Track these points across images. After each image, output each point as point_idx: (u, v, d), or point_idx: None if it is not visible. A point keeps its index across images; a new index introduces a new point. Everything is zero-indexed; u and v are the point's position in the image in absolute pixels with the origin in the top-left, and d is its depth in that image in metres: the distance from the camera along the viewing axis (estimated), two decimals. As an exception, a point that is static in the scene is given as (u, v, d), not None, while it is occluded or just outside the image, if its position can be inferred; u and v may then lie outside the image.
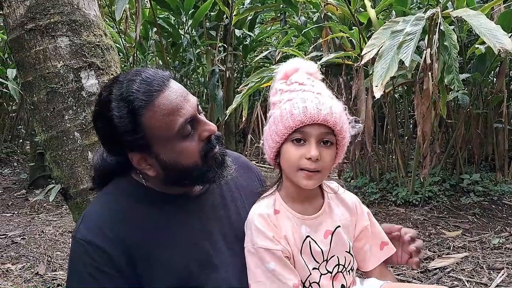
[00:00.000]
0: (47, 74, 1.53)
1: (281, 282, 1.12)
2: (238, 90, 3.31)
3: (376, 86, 2.22)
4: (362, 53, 2.49)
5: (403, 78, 3.75)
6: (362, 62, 2.64)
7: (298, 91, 1.12)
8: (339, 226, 1.23)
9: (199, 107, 1.09)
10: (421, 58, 3.00)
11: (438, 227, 3.32)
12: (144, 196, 1.12)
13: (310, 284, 1.18)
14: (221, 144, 1.12)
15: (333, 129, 1.09)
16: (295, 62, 1.20)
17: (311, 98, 1.09)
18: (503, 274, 2.46)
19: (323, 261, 1.20)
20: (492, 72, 4.59)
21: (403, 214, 3.55)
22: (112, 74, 1.64)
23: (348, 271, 1.24)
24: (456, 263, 2.65)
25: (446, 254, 2.79)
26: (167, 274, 1.06)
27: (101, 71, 1.60)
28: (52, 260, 3.10)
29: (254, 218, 1.16)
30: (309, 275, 1.18)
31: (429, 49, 2.85)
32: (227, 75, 5.96)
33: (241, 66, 7.17)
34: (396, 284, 1.25)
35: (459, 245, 2.95)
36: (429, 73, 3.08)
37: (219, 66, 5.97)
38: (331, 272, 1.21)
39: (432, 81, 2.63)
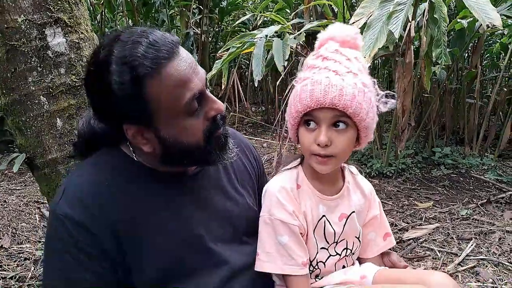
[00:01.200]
0: (5, 29, 1.35)
1: (290, 257, 1.10)
2: (218, 55, 3.20)
3: (364, 57, 2.18)
4: (350, 22, 2.44)
5: (384, 50, 3.74)
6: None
7: (316, 68, 1.05)
8: (353, 212, 1.22)
9: (207, 81, 1.00)
10: (404, 30, 2.99)
11: (411, 198, 3.40)
12: (134, 171, 1.03)
13: (317, 262, 1.18)
14: (225, 125, 1.05)
15: (345, 111, 1.01)
16: (332, 29, 1.09)
17: (321, 79, 1.01)
18: (472, 245, 2.56)
19: (333, 242, 1.19)
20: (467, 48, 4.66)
21: (378, 186, 3.62)
22: (82, 33, 1.50)
23: (352, 254, 1.24)
24: (428, 234, 2.73)
25: (418, 225, 2.87)
26: (156, 257, 0.99)
27: (69, 28, 1.45)
28: (17, 232, 2.96)
29: (276, 189, 1.12)
30: (316, 254, 1.17)
31: (413, 21, 2.84)
32: (203, 39, 5.77)
33: (217, 30, 6.96)
34: (390, 270, 1.27)
35: (430, 216, 3.04)
36: (411, 46, 3.08)
37: (194, 29, 5.76)
38: (339, 255, 1.21)
39: (416, 54, 2.62)
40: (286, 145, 4.20)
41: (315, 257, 1.17)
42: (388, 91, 1.10)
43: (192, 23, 5.85)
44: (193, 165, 1.08)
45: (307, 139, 1.06)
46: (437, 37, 2.35)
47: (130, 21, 6.49)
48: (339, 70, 1.01)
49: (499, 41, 4.80)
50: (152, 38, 0.90)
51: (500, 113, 4.86)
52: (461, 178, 3.83)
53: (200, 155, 1.00)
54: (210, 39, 6.56)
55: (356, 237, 1.23)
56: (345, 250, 1.22)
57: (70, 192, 0.97)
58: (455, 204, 3.26)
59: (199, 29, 5.80)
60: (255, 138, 5.69)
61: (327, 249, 1.18)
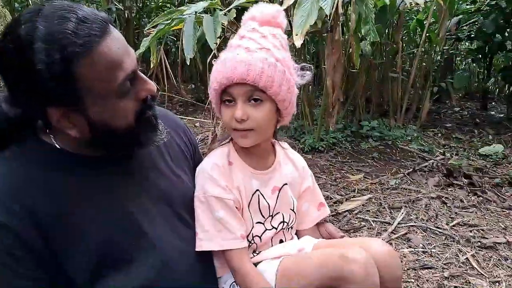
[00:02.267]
0: None
1: (228, 231, 1.11)
2: (145, 32, 3.02)
3: (296, 35, 2.17)
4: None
5: (311, 27, 3.77)
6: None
7: (232, 47, 1.09)
8: (286, 184, 1.24)
9: (138, 61, 0.96)
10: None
11: (343, 171, 3.52)
12: (56, 160, 0.96)
13: (252, 237, 1.18)
14: (154, 106, 1.02)
15: (256, 85, 1.04)
16: (253, 9, 1.13)
17: (231, 57, 1.06)
18: (402, 213, 2.71)
19: (269, 216, 1.21)
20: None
21: (311, 160, 3.70)
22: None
23: (289, 228, 1.25)
24: (362, 205, 2.85)
25: (352, 197, 2.98)
26: (87, 247, 0.93)
27: None
28: None
29: (208, 166, 1.14)
30: (252, 228, 1.17)
31: (341, -2, 2.87)
32: (126, 15, 5.46)
33: (140, 5, 6.62)
34: (331, 240, 1.29)
35: (362, 188, 3.17)
36: (339, 23, 3.13)
37: (116, 5, 5.43)
38: (276, 228, 1.22)
39: (347, 32, 2.66)
40: (221, 124, 4.14)
41: (250, 232, 1.17)
42: (304, 64, 1.17)
43: (113, -2, 5.51)
44: (124, 149, 1.02)
45: (226, 115, 1.10)
46: (365, 14, 2.39)
47: (42, -5, 5.99)
48: (250, 47, 1.06)
49: (415, 17, 5.07)
50: (82, 14, 0.84)
51: (417, 85, 5.16)
52: (388, 150, 4.04)
53: (131, 137, 0.98)
54: (133, 15, 6.22)
55: (291, 209, 1.25)
56: (282, 224, 1.23)
57: None
58: (385, 175, 3.43)
59: (121, 4, 5.47)
60: (187, 118, 5.54)
61: (263, 224, 1.19)
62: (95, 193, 0.97)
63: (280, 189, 1.23)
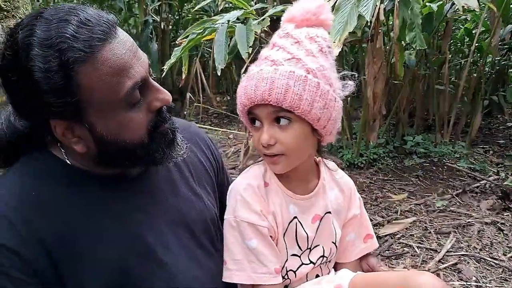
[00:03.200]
0: None
1: (261, 263, 0.98)
2: (177, 42, 2.93)
3: (334, 42, 1.99)
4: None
5: (351, 36, 3.57)
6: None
7: (259, 60, 0.98)
8: (329, 212, 1.09)
9: (150, 68, 0.87)
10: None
11: (384, 190, 3.27)
12: (66, 176, 0.89)
13: (286, 271, 1.05)
14: (171, 117, 0.93)
15: (280, 106, 0.92)
16: (292, 8, 0.99)
17: (254, 73, 0.95)
18: (451, 240, 2.44)
19: (307, 248, 1.07)
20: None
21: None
22: (20, 18, 1.32)
23: (328, 262, 1.09)
24: (405, 229, 2.60)
25: (394, 219, 2.73)
26: (97, 272, 0.86)
27: (5, 13, 1.29)
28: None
29: (242, 187, 1.03)
30: (285, 261, 1.04)
31: (382, 4, 2.67)
32: (162, 27, 5.45)
33: (177, 17, 6.63)
34: (368, 274, 1.14)
35: (405, 209, 2.91)
36: (380, 31, 2.92)
37: (152, 17, 5.44)
38: (314, 263, 1.08)
39: (384, 40, 2.44)
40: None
41: (284, 265, 1.05)
42: (346, 72, 1.02)
43: (151, 10, 5.53)
44: (136, 166, 0.94)
45: (255, 138, 1.00)
46: (410, 20, 2.17)
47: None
48: (277, 59, 0.94)
49: (462, 26, 4.75)
50: (84, 16, 0.77)
51: (465, 99, 4.81)
52: (434, 167, 3.74)
53: (144, 153, 0.88)
54: (170, 27, 6.24)
55: (332, 242, 1.11)
56: (321, 258, 1.09)
57: None
58: (430, 195, 3.15)
59: (159, 16, 5.48)
60: (221, 129, 5.46)
61: (299, 257, 1.07)
62: (106, 216, 0.89)
63: (322, 218, 1.09)
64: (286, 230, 1.04)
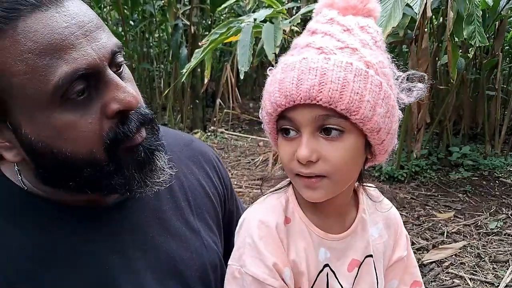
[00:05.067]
0: None
1: None
2: (200, 44, 2.73)
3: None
4: (355, -3, 1.96)
5: (393, 37, 3.27)
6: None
7: (295, 49, 0.73)
8: (370, 256, 0.84)
9: (118, 57, 0.65)
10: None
11: (427, 207, 2.94)
12: (15, 207, 0.69)
13: None
14: (151, 132, 0.70)
15: (333, 108, 0.66)
16: None
17: (295, 62, 0.69)
18: (511, 271, 2.09)
19: None
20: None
21: (388, 192, 3.15)
22: None
23: None
24: (454, 255, 2.27)
25: (440, 243, 2.41)
26: None
27: None
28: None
29: (254, 225, 0.78)
30: None
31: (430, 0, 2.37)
32: (193, 31, 5.31)
33: (209, 22, 6.51)
34: None
35: (453, 231, 2.58)
36: (426, 29, 2.61)
37: (183, 20, 5.32)
38: None
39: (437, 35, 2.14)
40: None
41: None
42: (414, 71, 0.78)
43: (182, 14, 5.42)
44: (90, 191, 0.69)
45: (285, 153, 0.73)
46: (469, 11, 1.86)
47: (116, 13, 6.11)
48: (326, 47, 0.69)
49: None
50: None
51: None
52: (484, 182, 3.37)
53: (98, 175, 0.65)
54: (202, 31, 6.11)
55: None
56: None
57: None
58: (481, 214, 2.80)
59: (189, 20, 5.34)
60: (250, 136, 5.25)
61: None
62: (71, 260, 0.69)
63: (361, 263, 0.83)
64: (314, 283, 0.80)
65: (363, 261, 0.84)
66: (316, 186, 0.72)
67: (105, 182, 0.66)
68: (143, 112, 0.67)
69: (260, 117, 0.79)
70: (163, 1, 5.67)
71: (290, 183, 0.84)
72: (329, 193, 0.74)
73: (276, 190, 0.85)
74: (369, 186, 0.90)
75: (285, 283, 0.77)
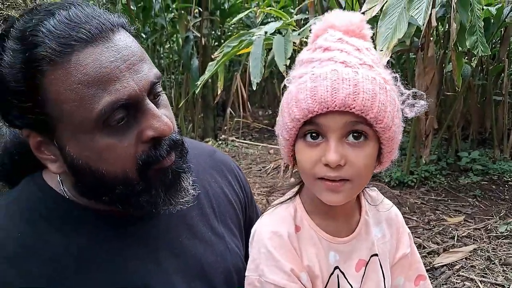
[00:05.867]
0: None
1: None
2: (213, 57, 2.83)
3: (381, 51, 1.79)
4: (362, 10, 2.05)
5: (399, 45, 3.33)
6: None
7: (316, 61, 0.77)
8: (375, 255, 0.88)
9: (157, 87, 0.71)
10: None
11: (438, 212, 2.98)
12: (57, 213, 0.75)
13: None
14: (179, 155, 0.76)
15: (364, 116, 0.72)
16: (331, 16, 0.81)
17: (325, 73, 0.73)
18: (521, 273, 2.13)
19: None
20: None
21: (398, 197, 3.20)
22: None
23: None
24: (465, 258, 2.32)
25: (451, 247, 2.45)
26: None
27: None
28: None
29: (266, 237, 0.82)
30: None
31: (434, 9, 2.44)
32: (203, 42, 5.42)
33: (219, 33, 6.63)
34: None
35: (463, 234, 2.62)
36: (431, 38, 2.68)
37: (193, 32, 5.43)
38: None
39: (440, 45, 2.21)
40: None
41: None
42: (416, 90, 0.83)
43: (193, 26, 5.53)
44: (120, 206, 0.75)
45: (309, 158, 0.76)
46: (471, 23, 1.93)
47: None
48: (349, 61, 0.74)
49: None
50: (74, 12, 0.65)
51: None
52: (494, 186, 3.40)
53: (127, 193, 0.71)
54: (212, 42, 6.22)
55: None
56: None
57: None
58: (491, 218, 2.83)
59: (200, 32, 5.46)
60: (261, 144, 5.32)
61: None
62: (104, 265, 0.75)
63: (367, 263, 0.88)
64: (326, 285, 0.85)
65: (369, 260, 0.88)
66: (339, 189, 0.76)
67: (134, 199, 0.72)
68: (174, 138, 0.73)
69: (278, 124, 0.83)
70: (173, 14, 5.81)
71: (297, 193, 0.88)
72: (348, 196, 0.79)
73: (283, 201, 0.89)
74: (371, 188, 0.95)
75: (303, 286, 0.81)
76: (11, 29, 0.65)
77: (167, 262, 0.80)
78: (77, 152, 0.68)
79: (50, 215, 0.75)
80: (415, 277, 0.96)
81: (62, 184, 0.77)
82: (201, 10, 5.50)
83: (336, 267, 0.85)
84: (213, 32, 6.36)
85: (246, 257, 0.91)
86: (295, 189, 0.89)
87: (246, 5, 6.97)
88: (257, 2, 7.37)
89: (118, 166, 0.69)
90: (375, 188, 0.96)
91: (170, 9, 5.73)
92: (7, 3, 1.20)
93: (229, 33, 6.57)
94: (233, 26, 6.58)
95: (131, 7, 5.22)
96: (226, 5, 6.36)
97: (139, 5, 5.71)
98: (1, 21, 1.19)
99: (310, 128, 0.76)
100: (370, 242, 0.89)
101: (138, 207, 0.74)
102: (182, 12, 5.56)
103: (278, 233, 0.82)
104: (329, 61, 0.76)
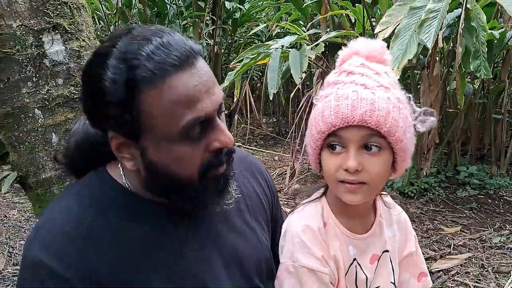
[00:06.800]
0: None
1: None
2: (231, 66, 3.01)
3: (392, 70, 1.96)
4: (376, 31, 2.23)
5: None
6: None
7: (340, 83, 0.92)
8: (387, 251, 1.02)
9: (222, 106, 0.83)
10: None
11: (436, 222, 3.15)
12: (121, 203, 0.85)
13: None
14: (229, 163, 0.86)
15: (378, 130, 0.86)
16: (355, 44, 0.95)
17: (347, 93, 0.88)
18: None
19: None
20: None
21: (397, 198, 3.36)
22: (83, 40, 1.36)
23: None
24: (460, 265, 2.48)
25: (447, 254, 2.62)
26: None
27: (69, 35, 1.32)
28: (14, 251, 2.74)
29: (299, 228, 0.95)
30: None
31: (441, 31, 2.62)
32: (215, 50, 5.61)
33: (229, 41, 6.81)
34: None
35: (459, 243, 2.78)
36: (437, 58, 2.86)
37: (206, 40, 5.62)
38: None
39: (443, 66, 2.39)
40: (300, 159, 3.98)
41: None
42: (427, 108, 0.96)
43: (205, 34, 5.71)
44: (180, 203, 0.87)
45: (332, 164, 0.91)
46: (475, 48, 2.12)
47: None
48: (368, 84, 0.88)
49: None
50: (166, 39, 0.75)
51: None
52: (490, 200, 3.56)
53: (189, 193, 0.83)
54: (222, 50, 6.41)
55: (391, 282, 1.04)
56: None
57: (45, 233, 0.79)
58: (486, 230, 3.00)
59: (212, 40, 5.64)
60: (266, 151, 5.48)
61: None
62: (164, 249, 0.85)
63: (380, 257, 1.02)
64: (346, 273, 0.98)
65: (381, 255, 1.02)
66: (357, 191, 0.90)
67: (191, 199, 0.84)
68: (231, 150, 0.85)
69: (307, 136, 0.97)
70: (187, 21, 5.98)
71: (323, 194, 1.03)
72: (366, 197, 0.92)
73: (311, 200, 1.03)
74: (384, 194, 1.08)
75: (332, 271, 0.95)
76: (114, 49, 0.75)
77: (210, 250, 0.91)
78: (156, 156, 0.79)
79: (116, 204, 0.85)
80: (418, 273, 1.10)
81: (125, 177, 0.87)
82: (215, 18, 5.67)
83: (354, 259, 0.98)
84: (224, 40, 6.53)
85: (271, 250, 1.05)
86: (321, 191, 1.03)
87: (257, 15, 7.19)
88: (266, 13, 7.60)
89: (187, 170, 0.80)
90: (388, 194, 1.10)
91: (184, 15, 5.89)
92: (56, 12, 1.35)
93: (240, 42, 6.75)
94: (244, 35, 6.75)
95: (147, 12, 5.40)
96: (237, 14, 6.56)
97: (154, 10, 5.88)
98: (51, 29, 1.35)
99: (334, 139, 0.90)
100: (382, 240, 1.03)
101: (193, 205, 0.86)
102: (196, 20, 5.74)
103: (309, 227, 0.95)
104: (351, 84, 0.90)
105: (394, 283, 1.04)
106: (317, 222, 0.97)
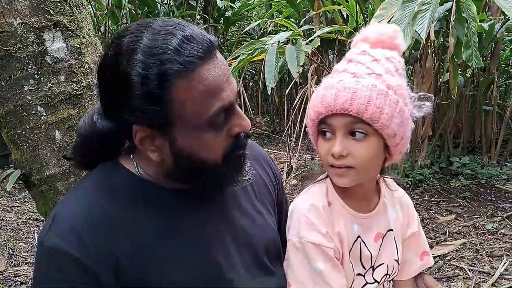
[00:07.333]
0: (0, 34, 1.22)
1: (329, 286, 0.95)
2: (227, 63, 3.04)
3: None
4: (370, 24, 2.28)
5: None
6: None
7: (335, 72, 0.97)
8: (391, 230, 1.06)
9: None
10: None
11: (431, 211, 3.22)
12: (137, 191, 0.88)
13: None
14: (246, 145, 0.91)
15: (360, 117, 0.89)
16: (367, 29, 0.99)
17: (333, 83, 0.93)
18: (505, 263, 2.38)
19: (370, 267, 1.03)
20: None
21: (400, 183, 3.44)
22: (84, 37, 1.36)
23: (390, 280, 1.08)
24: (455, 251, 2.55)
25: (443, 241, 2.69)
26: None
27: (69, 32, 1.32)
28: (14, 253, 2.76)
29: (305, 207, 0.99)
30: (352, 282, 1.01)
31: (433, 23, 2.69)
32: (208, 49, 5.62)
33: (221, 40, 6.84)
34: None
35: (454, 231, 2.86)
36: (429, 50, 2.93)
37: (199, 39, 5.64)
38: (378, 282, 1.04)
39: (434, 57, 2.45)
40: (296, 156, 4.04)
41: (351, 286, 1.02)
42: (423, 93, 0.99)
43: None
44: (203, 185, 0.91)
45: (323, 149, 0.96)
46: (467, 38, 2.19)
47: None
48: (357, 72, 0.92)
49: (507, 48, 4.66)
50: (189, 33, 0.77)
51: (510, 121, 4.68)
52: (482, 189, 3.65)
53: (214, 175, 0.87)
54: (215, 48, 6.43)
55: (395, 259, 1.09)
56: (385, 276, 1.07)
57: (61, 220, 0.82)
58: (479, 217, 3.08)
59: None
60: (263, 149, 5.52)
61: (363, 276, 1.04)
62: (179, 235, 0.89)
63: (384, 236, 1.06)
64: (351, 249, 1.02)
65: (385, 234, 1.05)
66: (344, 174, 0.94)
67: (216, 179, 0.89)
68: (248, 133, 0.89)
69: (306, 124, 1.03)
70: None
71: (327, 176, 1.06)
72: (353, 180, 0.96)
73: (316, 181, 1.08)
74: (387, 178, 1.12)
75: (336, 246, 0.99)
76: (140, 44, 0.75)
77: (223, 231, 0.94)
78: (185, 145, 0.82)
79: (130, 192, 0.87)
80: (420, 252, 1.15)
81: (137, 167, 0.90)
82: (206, 17, 5.69)
83: (358, 236, 1.02)
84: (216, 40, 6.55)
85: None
86: (326, 173, 1.06)
87: (248, 14, 7.23)
88: (257, 11, 7.64)
89: (213, 155, 0.84)
90: (392, 179, 1.13)
91: (175, 15, 5.89)
92: (57, 10, 1.37)
93: (233, 40, 6.79)
94: (236, 34, 6.78)
95: (138, 12, 5.40)
96: (229, 13, 6.59)
97: (144, 9, 5.86)
98: (51, 26, 1.37)
99: (324, 126, 0.95)
100: (386, 219, 1.07)
101: (220, 185, 0.92)
102: (189, 18, 5.75)
103: (315, 205, 0.99)
104: (342, 72, 0.94)
105: (397, 261, 1.09)
106: (321, 201, 1.01)
